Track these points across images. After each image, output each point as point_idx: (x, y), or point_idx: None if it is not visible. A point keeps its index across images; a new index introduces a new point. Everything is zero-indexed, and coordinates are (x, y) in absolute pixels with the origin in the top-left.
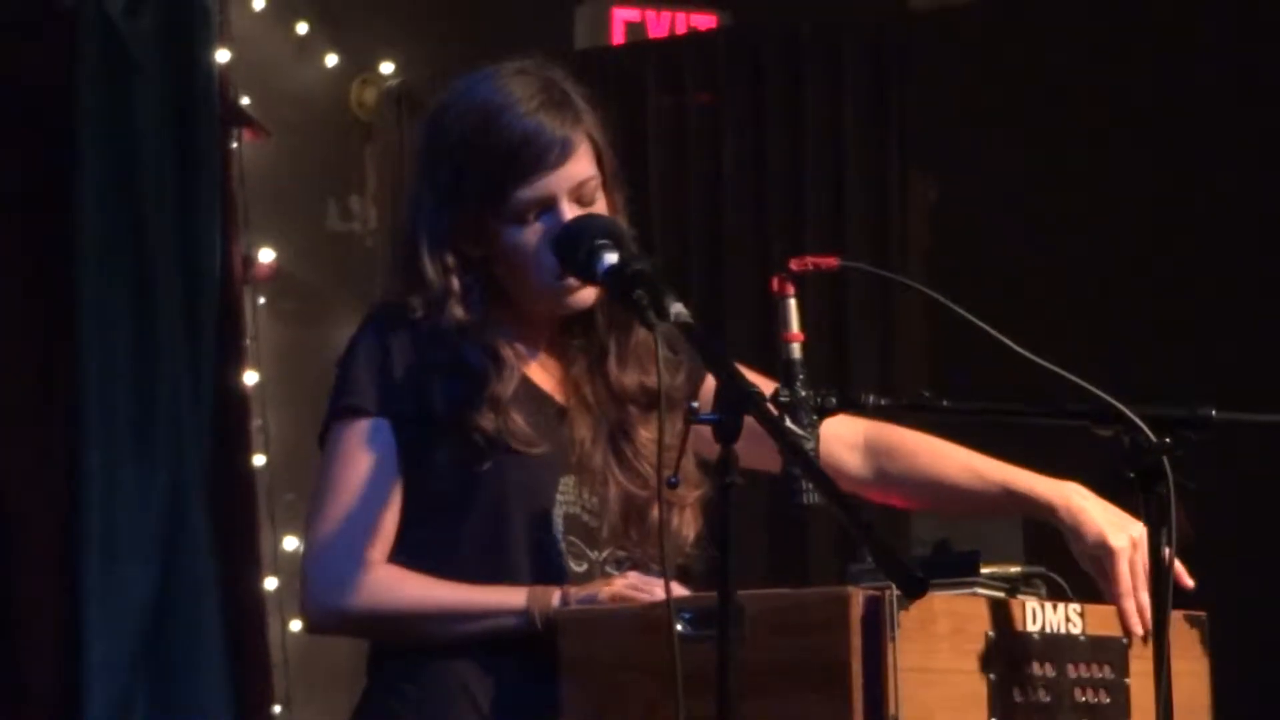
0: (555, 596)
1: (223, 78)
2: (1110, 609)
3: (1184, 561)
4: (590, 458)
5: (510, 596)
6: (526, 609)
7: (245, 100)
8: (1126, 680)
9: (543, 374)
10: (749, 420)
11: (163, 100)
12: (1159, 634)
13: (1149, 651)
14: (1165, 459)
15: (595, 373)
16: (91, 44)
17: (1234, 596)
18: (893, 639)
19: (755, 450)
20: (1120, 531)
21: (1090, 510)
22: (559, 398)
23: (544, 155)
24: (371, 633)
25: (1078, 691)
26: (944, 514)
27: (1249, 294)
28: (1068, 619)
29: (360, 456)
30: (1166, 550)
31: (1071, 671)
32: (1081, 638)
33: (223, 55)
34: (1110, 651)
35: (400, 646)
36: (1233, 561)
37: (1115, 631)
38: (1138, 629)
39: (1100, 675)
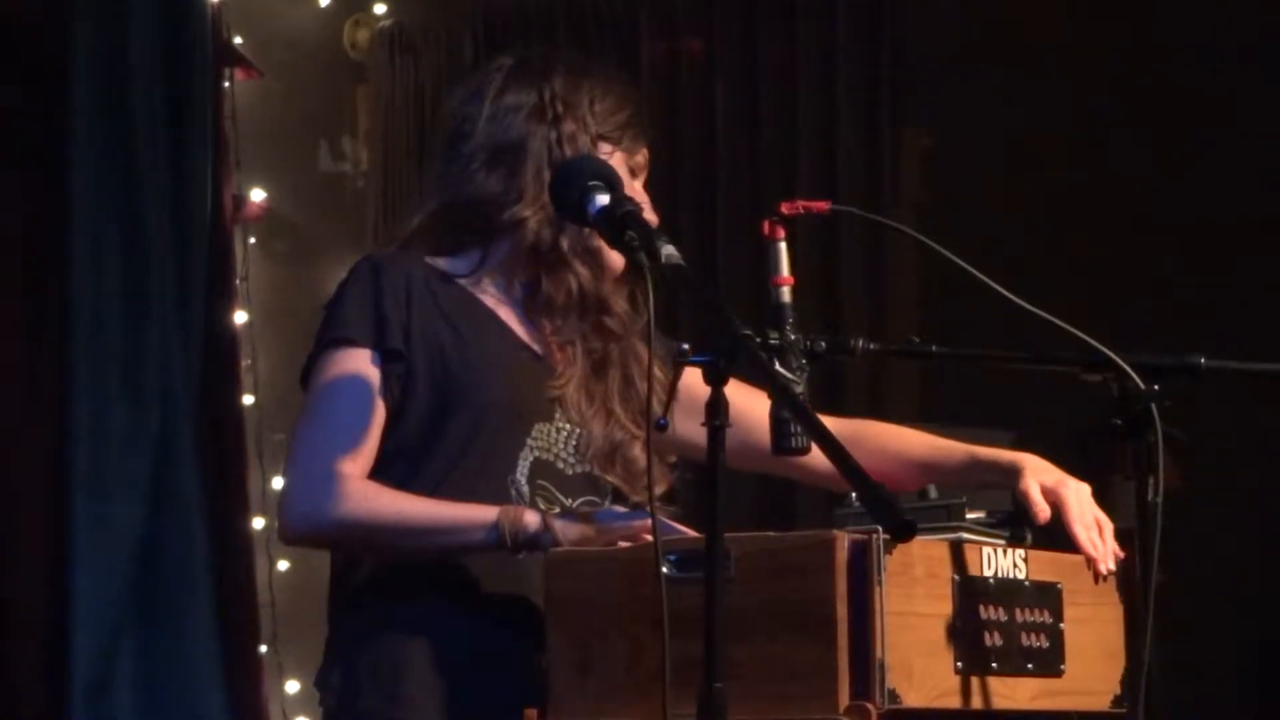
0: (529, 515)
1: (215, 17)
2: (1048, 555)
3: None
4: (577, 397)
5: (482, 512)
6: (497, 522)
7: (238, 40)
8: (1061, 625)
9: (521, 325)
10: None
11: (155, 40)
12: (1145, 581)
13: (1081, 598)
14: (1154, 407)
15: (597, 308)
16: None
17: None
18: (879, 583)
19: (742, 452)
20: (1070, 481)
21: (1047, 468)
22: (537, 347)
23: (644, 134)
24: (345, 543)
25: (1023, 635)
26: (911, 487)
27: (1245, 245)
28: (1014, 564)
29: (346, 380)
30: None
31: (1019, 615)
32: (1026, 583)
33: None
34: (1049, 596)
35: (369, 576)
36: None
37: (1054, 578)
38: (1093, 551)
39: (1041, 619)
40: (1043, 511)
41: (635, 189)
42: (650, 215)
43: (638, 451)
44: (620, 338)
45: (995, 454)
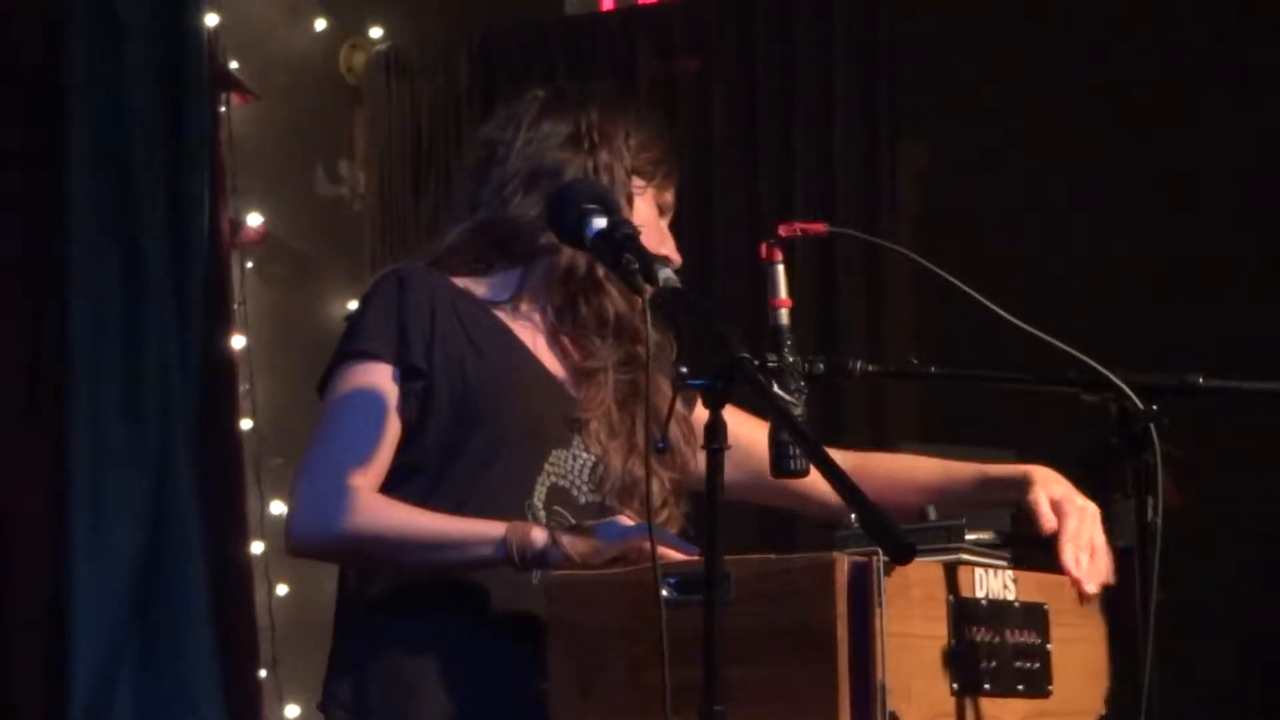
0: (536, 531)
1: (211, 41)
2: (1035, 575)
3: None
4: (599, 427)
5: (490, 527)
6: (504, 539)
7: (234, 64)
8: (1049, 646)
9: (548, 351)
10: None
11: (151, 64)
12: (1145, 600)
13: (1066, 618)
14: (1153, 426)
15: (631, 336)
16: (81, 6)
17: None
18: (879, 605)
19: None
20: (1077, 498)
21: (1058, 480)
22: (560, 373)
23: (675, 173)
24: (353, 556)
25: (1014, 656)
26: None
27: (1245, 262)
28: (1005, 585)
29: (362, 394)
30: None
31: (1010, 637)
32: (1016, 604)
33: (211, 19)
34: (1036, 617)
35: (382, 591)
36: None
37: (1040, 598)
38: (1075, 571)
39: (1030, 641)
40: (1049, 523)
41: (661, 227)
42: (675, 255)
43: (655, 488)
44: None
45: (1005, 469)
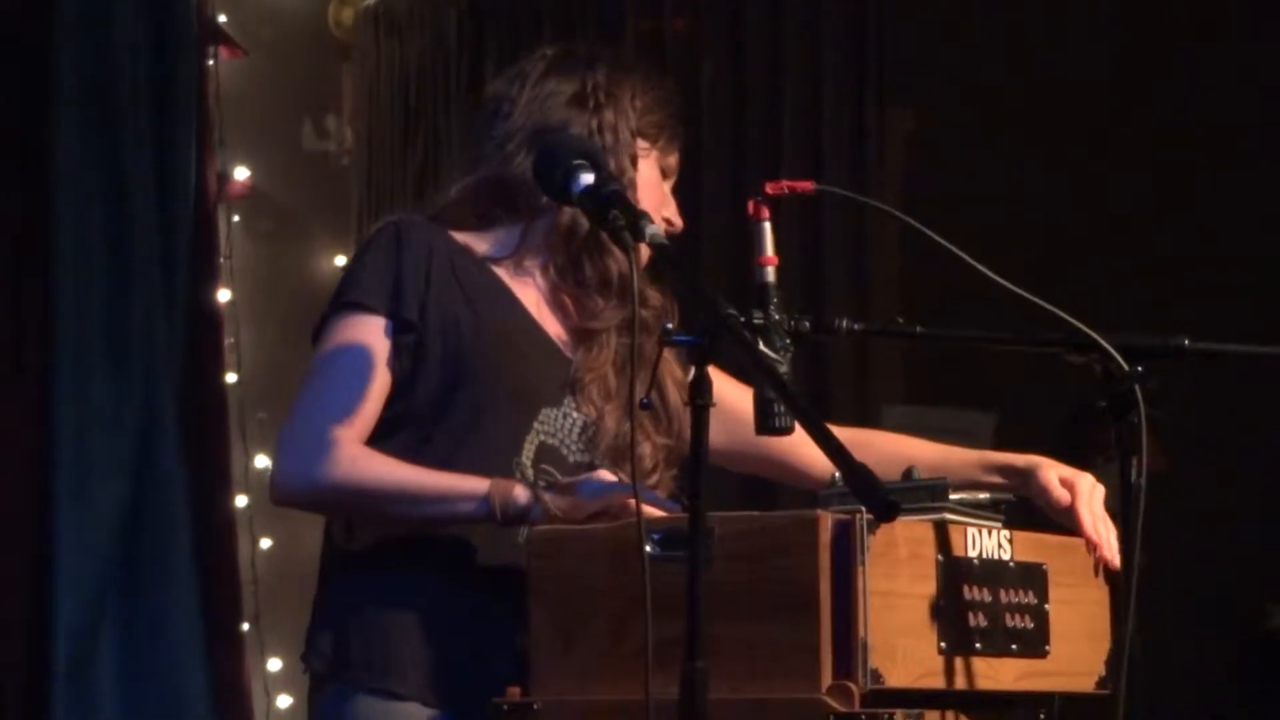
0: (519, 488)
1: None
2: (1033, 536)
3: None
4: (594, 388)
5: (473, 483)
6: (487, 494)
7: (222, 18)
8: (1046, 606)
9: (548, 310)
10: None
11: (140, 17)
12: (1127, 565)
13: (1066, 579)
14: (1137, 388)
15: (625, 302)
16: None
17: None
18: (862, 563)
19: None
20: (1088, 476)
21: (1063, 466)
22: (554, 331)
23: (679, 137)
24: (334, 506)
25: (1008, 616)
26: None
27: (1229, 225)
28: (999, 545)
29: (352, 346)
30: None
31: (1003, 596)
32: (1011, 564)
33: None
34: (1034, 577)
35: (368, 543)
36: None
37: (1039, 559)
38: (1094, 536)
39: (1026, 600)
40: (1063, 496)
41: (664, 190)
42: (676, 219)
43: (647, 451)
44: (653, 332)
45: (1009, 456)
